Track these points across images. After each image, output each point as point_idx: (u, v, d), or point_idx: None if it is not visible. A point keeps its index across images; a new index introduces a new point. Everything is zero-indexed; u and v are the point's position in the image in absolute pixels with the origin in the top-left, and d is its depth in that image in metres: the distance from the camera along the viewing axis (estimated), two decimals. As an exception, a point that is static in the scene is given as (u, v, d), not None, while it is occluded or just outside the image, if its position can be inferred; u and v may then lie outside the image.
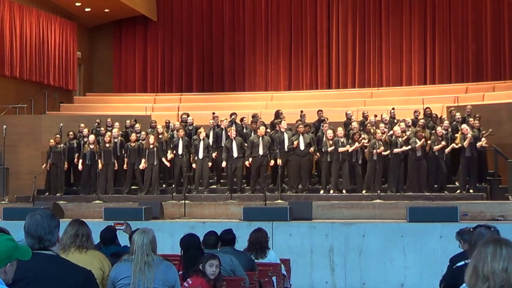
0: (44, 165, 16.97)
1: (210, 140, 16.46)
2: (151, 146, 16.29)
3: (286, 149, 15.64)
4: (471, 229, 5.72)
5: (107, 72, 25.02)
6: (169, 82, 24.63)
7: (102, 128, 17.54)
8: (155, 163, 16.28)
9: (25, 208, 13.59)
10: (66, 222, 5.52)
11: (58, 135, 16.85)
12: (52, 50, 22.10)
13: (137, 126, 17.28)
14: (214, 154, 16.43)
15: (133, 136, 16.64)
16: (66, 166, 16.91)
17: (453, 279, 4.93)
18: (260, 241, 8.38)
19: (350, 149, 15.30)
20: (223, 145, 16.26)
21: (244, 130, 16.97)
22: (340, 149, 15.31)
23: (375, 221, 12.88)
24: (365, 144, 15.35)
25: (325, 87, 23.24)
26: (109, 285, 5.37)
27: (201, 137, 16.14)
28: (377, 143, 15.11)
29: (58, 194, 16.35)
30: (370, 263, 12.01)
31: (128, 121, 18.24)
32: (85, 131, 17.27)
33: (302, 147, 15.57)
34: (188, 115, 18.03)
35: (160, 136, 16.67)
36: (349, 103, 20.31)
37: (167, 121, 18.20)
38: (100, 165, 16.33)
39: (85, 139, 16.91)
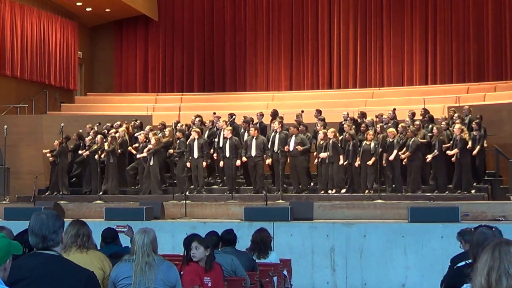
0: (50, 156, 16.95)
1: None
2: (151, 146, 16.29)
3: (275, 150, 15.66)
4: (472, 229, 5.71)
5: (108, 72, 25.02)
6: (170, 82, 24.63)
7: (112, 130, 17.54)
8: (151, 164, 16.26)
9: (26, 208, 13.61)
10: (67, 222, 5.51)
11: (64, 136, 16.87)
12: (53, 50, 22.10)
13: (147, 128, 17.28)
14: (215, 155, 16.46)
15: (141, 137, 16.63)
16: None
17: (454, 280, 4.93)
18: (265, 240, 8.42)
19: (324, 155, 15.34)
20: (219, 145, 16.31)
21: (241, 131, 16.98)
22: (322, 155, 15.40)
23: (376, 221, 12.89)
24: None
25: (326, 87, 23.23)
26: (110, 285, 5.38)
27: (195, 137, 16.12)
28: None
29: (59, 194, 16.35)
30: (371, 263, 12.01)
31: (132, 122, 18.24)
32: (91, 132, 17.25)
33: (291, 148, 15.61)
34: (197, 116, 17.90)
35: (161, 136, 16.70)
36: (350, 103, 20.31)
37: (176, 121, 18.15)
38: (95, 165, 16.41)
39: (95, 139, 16.91)
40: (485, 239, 4.73)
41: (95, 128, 17.58)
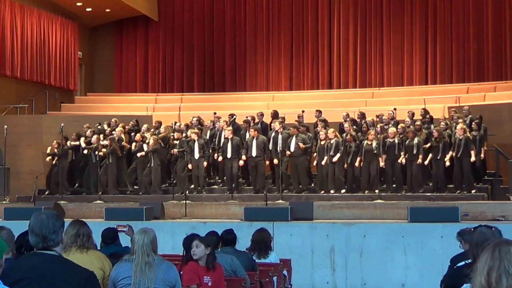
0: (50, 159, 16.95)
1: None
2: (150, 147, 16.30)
3: (278, 150, 15.66)
4: (472, 229, 5.71)
5: (108, 72, 25.02)
6: (170, 82, 24.64)
7: (107, 129, 17.54)
8: (152, 164, 16.25)
9: (26, 208, 13.62)
10: (67, 222, 5.52)
11: (63, 137, 16.86)
12: (53, 50, 22.10)
13: (145, 126, 17.28)
14: (215, 155, 16.44)
15: (138, 137, 16.64)
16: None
17: (454, 280, 4.93)
18: (265, 240, 8.43)
19: (335, 158, 15.32)
20: (220, 145, 16.31)
21: (242, 131, 16.97)
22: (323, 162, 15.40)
23: (376, 221, 12.91)
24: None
25: (326, 87, 23.23)
26: (110, 285, 5.38)
27: (195, 138, 16.11)
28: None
29: (59, 194, 16.35)
30: (371, 263, 12.02)
31: (131, 122, 18.25)
32: (89, 132, 17.25)
33: (292, 148, 15.61)
34: (194, 117, 17.91)
35: (161, 136, 16.71)
36: (350, 103, 20.31)
37: (174, 122, 18.14)
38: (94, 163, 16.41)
39: (91, 140, 16.91)
40: (485, 239, 4.73)
41: (96, 129, 17.57)
